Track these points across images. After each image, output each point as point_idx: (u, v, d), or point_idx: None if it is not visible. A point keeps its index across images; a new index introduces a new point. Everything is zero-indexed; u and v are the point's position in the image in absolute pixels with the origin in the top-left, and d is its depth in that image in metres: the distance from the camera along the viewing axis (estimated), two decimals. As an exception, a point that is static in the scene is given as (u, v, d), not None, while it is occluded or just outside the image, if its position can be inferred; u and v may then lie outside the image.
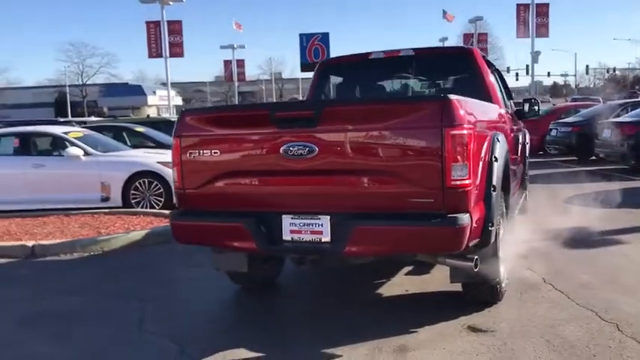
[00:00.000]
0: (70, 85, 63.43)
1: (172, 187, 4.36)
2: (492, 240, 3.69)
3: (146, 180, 8.74)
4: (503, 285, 4.12)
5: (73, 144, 9.02)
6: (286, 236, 3.65)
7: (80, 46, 67.15)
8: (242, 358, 3.49)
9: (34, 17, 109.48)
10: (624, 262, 5.20)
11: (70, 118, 27.98)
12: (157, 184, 8.72)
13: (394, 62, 5.57)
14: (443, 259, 3.66)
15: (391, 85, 5.99)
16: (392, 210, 3.42)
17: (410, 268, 5.06)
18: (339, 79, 6.02)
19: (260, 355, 3.52)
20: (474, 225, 3.44)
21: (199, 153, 3.78)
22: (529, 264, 5.00)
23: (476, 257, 3.56)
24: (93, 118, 29.00)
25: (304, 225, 3.60)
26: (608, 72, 72.45)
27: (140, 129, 12.60)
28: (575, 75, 72.48)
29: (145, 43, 31.14)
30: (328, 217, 3.54)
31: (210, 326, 4.11)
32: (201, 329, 4.01)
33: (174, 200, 4.12)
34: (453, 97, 3.32)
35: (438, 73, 5.69)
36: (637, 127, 11.50)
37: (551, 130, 15.28)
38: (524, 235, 5.80)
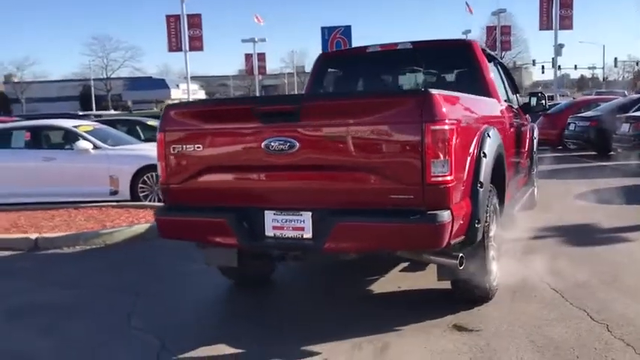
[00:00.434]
0: (94, 79, 64.32)
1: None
2: (479, 237, 3.62)
3: (154, 174, 8.72)
4: (494, 283, 4.04)
5: (83, 137, 9.10)
6: (269, 232, 3.62)
7: (104, 39, 68.16)
8: (224, 354, 3.48)
9: (59, 11, 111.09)
10: (627, 260, 5.04)
11: (88, 112, 28.42)
12: (164, 178, 8.73)
13: (392, 55, 5.48)
14: (427, 256, 3.60)
15: (389, 78, 5.90)
16: (374, 206, 3.37)
17: (405, 264, 4.99)
18: (339, 72, 5.96)
19: (240, 351, 3.51)
20: (460, 222, 3.38)
21: (183, 148, 3.77)
22: (528, 262, 4.88)
23: (461, 255, 3.49)
24: (111, 112, 29.41)
25: (286, 221, 3.57)
26: (637, 64, 70.63)
27: (153, 123, 12.68)
28: (603, 68, 70.92)
29: (166, 36, 31.50)
30: (310, 213, 3.50)
31: (201, 321, 4.10)
32: (191, 324, 4.00)
33: None
34: (434, 91, 3.24)
35: (435, 66, 5.58)
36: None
37: (569, 124, 14.96)
38: (526, 233, 5.71)
